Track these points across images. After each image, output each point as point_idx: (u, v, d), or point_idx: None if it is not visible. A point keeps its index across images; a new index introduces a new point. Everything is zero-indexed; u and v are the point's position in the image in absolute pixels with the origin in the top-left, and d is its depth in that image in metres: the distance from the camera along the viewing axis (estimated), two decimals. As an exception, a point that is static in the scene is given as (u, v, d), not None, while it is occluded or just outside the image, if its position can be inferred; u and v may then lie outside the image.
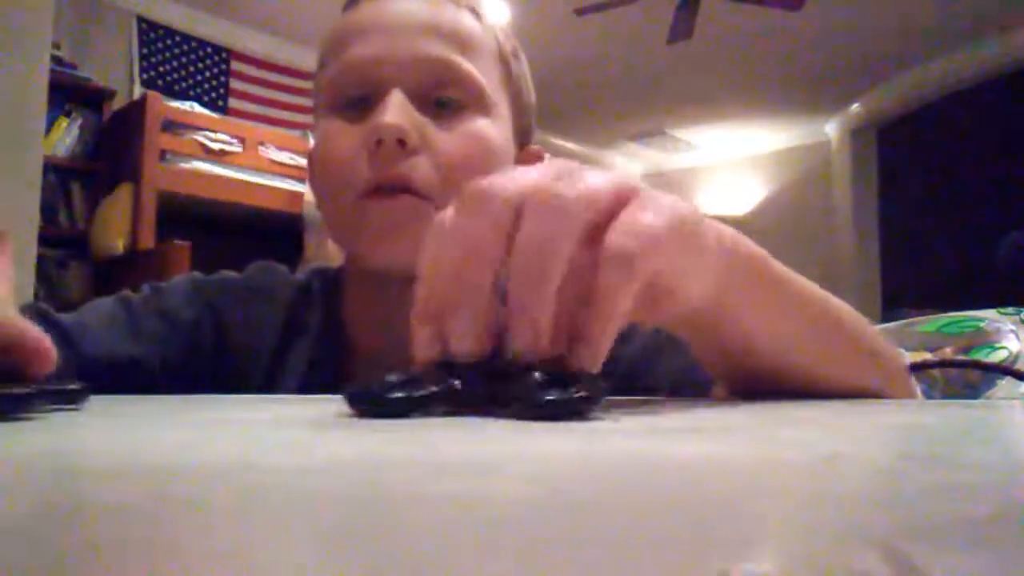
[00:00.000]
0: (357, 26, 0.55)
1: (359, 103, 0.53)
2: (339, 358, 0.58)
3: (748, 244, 0.40)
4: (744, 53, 4.31)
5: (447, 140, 0.52)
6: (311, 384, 0.56)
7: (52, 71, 2.52)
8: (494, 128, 0.55)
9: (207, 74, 3.91)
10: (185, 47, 3.86)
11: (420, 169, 0.51)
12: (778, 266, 0.42)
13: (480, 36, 0.57)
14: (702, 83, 4.74)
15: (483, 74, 0.55)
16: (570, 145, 5.70)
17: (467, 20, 0.56)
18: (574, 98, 4.79)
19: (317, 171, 0.56)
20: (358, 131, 0.52)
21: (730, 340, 0.40)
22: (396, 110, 0.50)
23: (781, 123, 5.39)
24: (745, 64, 4.45)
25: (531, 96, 0.63)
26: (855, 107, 5.05)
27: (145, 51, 3.71)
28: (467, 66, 0.54)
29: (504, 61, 0.59)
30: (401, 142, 0.50)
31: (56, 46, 2.91)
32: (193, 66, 3.87)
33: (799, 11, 3.42)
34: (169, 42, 3.80)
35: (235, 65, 3.98)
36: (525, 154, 0.62)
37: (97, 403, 0.33)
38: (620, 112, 5.24)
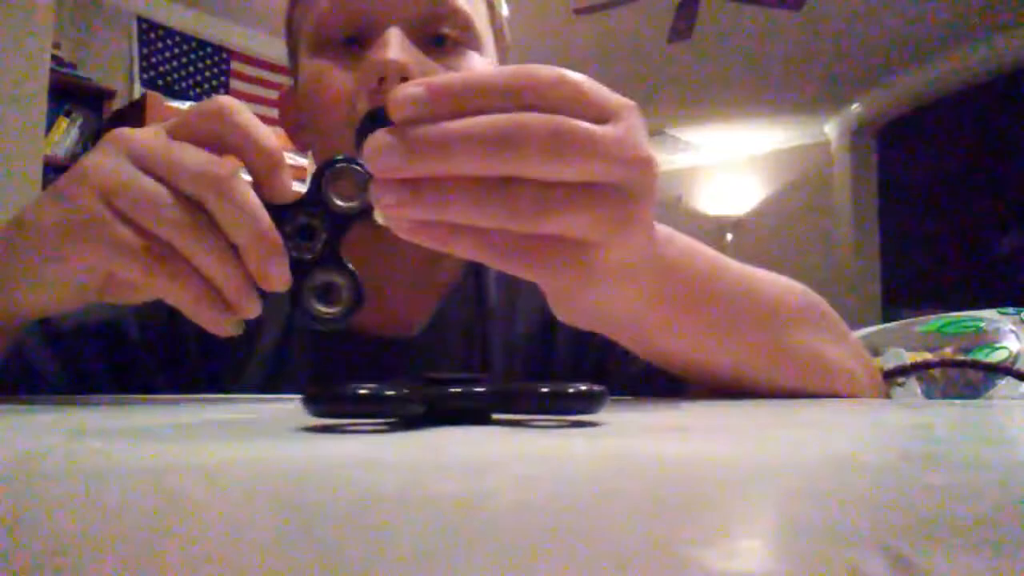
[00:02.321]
0: None
1: (351, 41, 0.51)
2: None
3: (693, 264, 0.41)
4: (744, 53, 4.31)
5: None
6: (293, 337, 0.55)
7: (52, 71, 2.52)
8: (488, 65, 0.55)
9: (207, 74, 3.91)
10: (185, 47, 3.86)
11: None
12: (723, 282, 0.43)
13: None
14: (702, 83, 4.74)
15: (472, 9, 0.54)
16: (570, 145, 5.70)
17: None
18: (574, 98, 4.78)
19: (305, 113, 0.54)
20: (353, 70, 0.50)
21: (649, 351, 0.42)
22: (398, 46, 0.48)
23: (781, 123, 5.39)
24: (745, 64, 4.45)
25: (509, 38, 0.62)
26: (855, 107, 5.05)
27: (145, 51, 3.71)
28: (462, 4, 0.53)
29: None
30: (404, 80, 0.47)
31: (56, 46, 2.91)
32: (193, 66, 3.87)
33: (799, 11, 3.42)
34: (169, 42, 3.80)
35: (235, 65, 3.98)
36: None
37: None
38: (620, 112, 5.23)
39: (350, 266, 0.35)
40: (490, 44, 0.57)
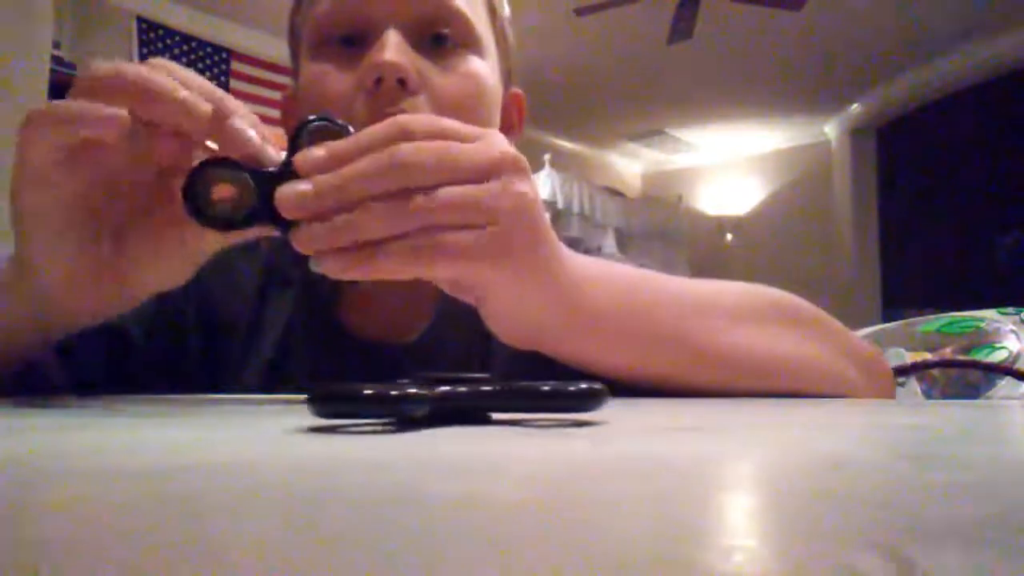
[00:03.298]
0: None
1: (349, 43, 0.52)
2: (325, 309, 0.57)
3: (609, 278, 0.45)
4: (744, 53, 4.31)
5: (445, 80, 0.51)
6: (294, 339, 0.55)
7: (52, 71, 2.52)
8: (487, 67, 0.55)
9: (207, 74, 3.91)
10: (185, 47, 3.86)
11: (420, 109, 0.50)
12: (644, 293, 0.46)
13: None
14: (702, 83, 4.74)
15: (472, 11, 0.54)
16: (570, 145, 5.70)
17: None
18: (574, 98, 4.79)
19: (305, 114, 0.55)
20: (352, 71, 0.50)
21: (584, 364, 0.44)
22: (395, 48, 0.49)
23: (781, 123, 5.39)
24: (745, 64, 4.45)
25: (512, 39, 0.62)
26: (855, 107, 5.06)
27: (145, 51, 3.71)
28: (459, 2, 0.53)
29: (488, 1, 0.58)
30: (401, 81, 0.48)
31: (56, 46, 2.91)
32: (193, 66, 3.85)
33: (799, 11, 3.42)
34: (169, 42, 3.80)
35: (235, 65, 3.98)
36: (508, 97, 0.62)
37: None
38: (620, 112, 5.24)
39: (246, 175, 0.35)
40: (491, 46, 0.57)
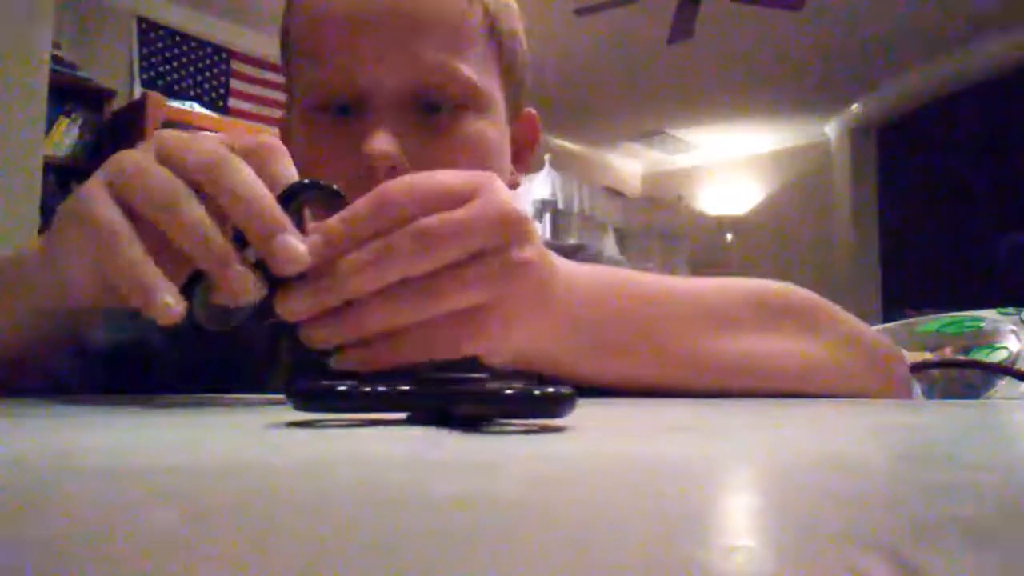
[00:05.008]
0: (332, 15, 0.51)
1: (344, 110, 0.51)
2: None
3: (596, 291, 0.44)
4: (744, 53, 4.31)
5: (443, 153, 0.50)
6: (278, 345, 0.56)
7: (52, 71, 2.52)
8: (490, 127, 0.53)
9: (207, 74, 3.91)
10: (185, 47, 3.86)
11: None
12: (631, 301, 0.46)
13: (468, 18, 0.52)
14: (702, 83, 4.74)
15: (476, 65, 0.52)
16: (570, 145, 5.70)
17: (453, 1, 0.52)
18: (574, 98, 4.79)
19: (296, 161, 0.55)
20: (344, 141, 0.49)
21: (569, 376, 0.44)
22: (383, 137, 0.48)
23: (781, 123, 5.39)
24: (745, 64, 4.45)
25: (524, 56, 0.59)
26: (855, 107, 5.05)
27: (145, 51, 3.71)
28: (461, 68, 0.51)
29: (495, 34, 0.55)
30: (393, 168, 0.48)
31: (56, 46, 2.91)
32: (193, 66, 3.87)
33: (799, 11, 3.42)
34: (169, 42, 3.80)
35: (235, 65, 3.98)
36: (520, 124, 0.61)
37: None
38: (620, 112, 5.24)
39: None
40: (497, 99, 0.55)
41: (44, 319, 0.40)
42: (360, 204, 0.34)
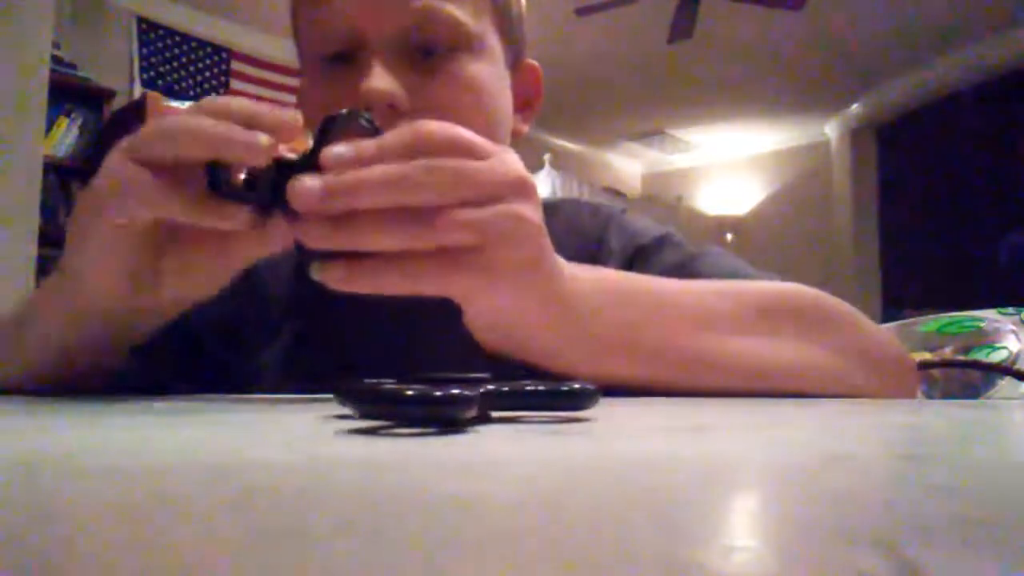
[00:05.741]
0: None
1: (340, 59, 0.52)
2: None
3: (600, 289, 0.45)
4: (744, 53, 4.31)
5: (440, 93, 0.51)
6: (309, 338, 0.57)
7: (52, 71, 2.52)
8: (486, 68, 0.54)
9: (207, 74, 3.91)
10: (185, 47, 3.86)
11: None
12: (636, 307, 0.46)
13: None
14: (702, 83, 4.74)
15: (468, 8, 0.53)
16: (570, 145, 5.70)
17: None
18: (574, 98, 4.79)
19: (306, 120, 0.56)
20: (344, 88, 0.50)
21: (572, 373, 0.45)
22: (380, 75, 0.49)
23: (781, 123, 5.39)
24: (745, 64, 4.45)
25: (520, 7, 0.61)
26: (855, 107, 5.05)
27: (145, 51, 3.71)
28: (453, 11, 0.52)
29: None
30: (392, 106, 0.49)
31: (56, 46, 2.91)
32: (193, 66, 3.87)
33: (799, 11, 3.42)
34: (169, 42, 3.80)
35: (235, 65, 3.98)
36: (521, 74, 0.61)
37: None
38: (620, 112, 5.24)
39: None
40: (490, 36, 0.55)
41: (88, 319, 0.41)
42: (394, 133, 0.36)
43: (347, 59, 0.51)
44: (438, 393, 0.24)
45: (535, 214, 0.39)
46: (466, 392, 0.25)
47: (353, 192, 0.34)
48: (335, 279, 0.36)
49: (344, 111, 0.38)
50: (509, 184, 0.37)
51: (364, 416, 0.25)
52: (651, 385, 0.44)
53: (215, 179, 0.36)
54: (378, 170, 0.35)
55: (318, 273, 0.36)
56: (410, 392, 0.24)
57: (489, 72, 0.55)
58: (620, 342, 0.44)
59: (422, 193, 0.35)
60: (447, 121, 0.48)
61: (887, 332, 0.56)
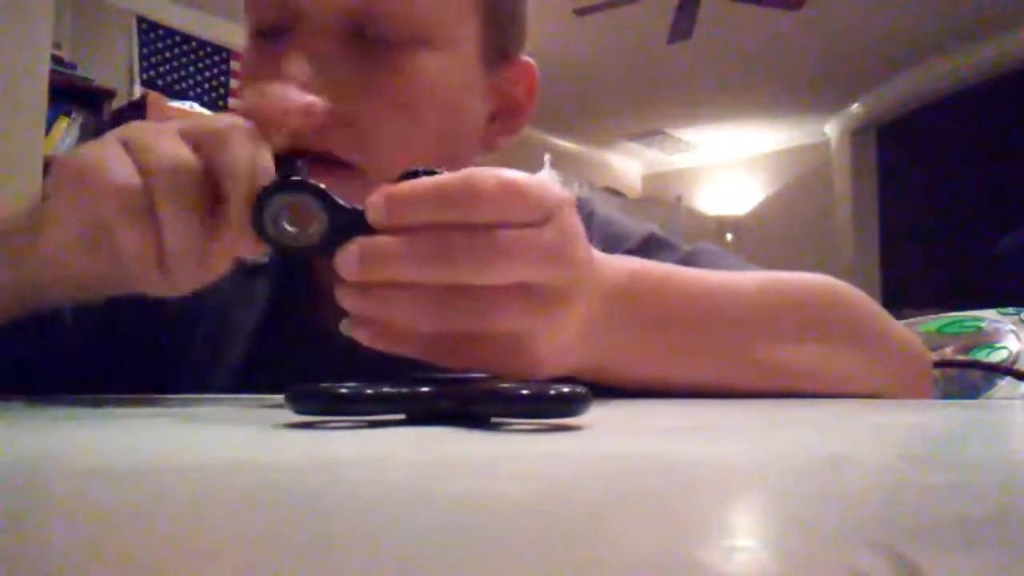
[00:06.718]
0: None
1: (276, 30, 0.46)
2: (303, 296, 0.54)
3: (641, 290, 0.41)
4: (744, 53, 4.31)
5: (376, 89, 0.45)
6: (272, 327, 0.53)
7: (52, 71, 2.52)
8: (447, 66, 0.47)
9: (207, 74, 3.91)
10: (185, 47, 3.86)
11: (347, 139, 0.44)
12: (678, 300, 0.42)
13: None
14: (702, 83, 4.74)
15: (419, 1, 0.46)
16: (570, 145, 5.70)
17: None
18: (574, 98, 4.79)
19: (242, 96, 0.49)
20: (269, 67, 0.44)
21: (619, 383, 0.41)
22: (297, 62, 0.43)
23: (781, 123, 5.39)
24: (745, 64, 4.45)
25: (521, 22, 0.54)
26: (855, 107, 5.05)
27: (145, 51, 3.71)
28: None
29: None
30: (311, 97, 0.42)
31: (56, 46, 2.91)
32: (193, 66, 3.87)
33: (799, 11, 3.42)
34: (169, 42, 3.80)
35: (235, 65, 3.98)
36: (509, 72, 0.54)
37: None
38: (620, 112, 5.24)
39: (321, 185, 0.33)
40: (464, 37, 0.49)
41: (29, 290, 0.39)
42: (448, 181, 0.32)
43: (282, 34, 0.46)
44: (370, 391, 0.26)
45: (580, 301, 0.35)
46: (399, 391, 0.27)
47: (386, 263, 0.31)
48: (362, 338, 0.33)
49: (413, 169, 0.33)
50: (562, 266, 0.33)
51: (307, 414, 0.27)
52: (679, 386, 0.42)
53: (260, 222, 0.33)
54: (417, 241, 0.31)
55: (346, 330, 0.33)
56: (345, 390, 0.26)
57: (449, 70, 0.48)
58: (651, 341, 0.41)
59: (461, 272, 0.31)
60: (385, 120, 0.44)
61: (909, 331, 0.55)
